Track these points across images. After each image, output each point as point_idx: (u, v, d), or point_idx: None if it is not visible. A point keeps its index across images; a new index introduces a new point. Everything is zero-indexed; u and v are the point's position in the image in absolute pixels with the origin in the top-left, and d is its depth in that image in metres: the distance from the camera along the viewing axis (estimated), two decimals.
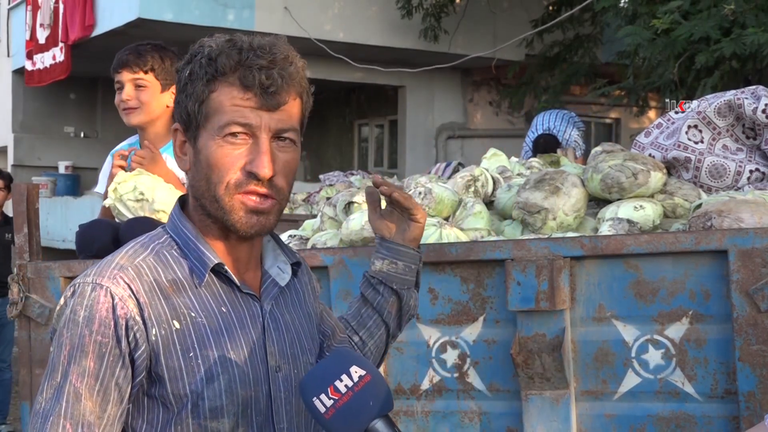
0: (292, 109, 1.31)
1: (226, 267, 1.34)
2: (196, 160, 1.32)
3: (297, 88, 1.31)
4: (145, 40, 3.01)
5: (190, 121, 1.32)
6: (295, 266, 1.47)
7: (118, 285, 1.26)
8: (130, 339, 1.26)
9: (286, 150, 1.31)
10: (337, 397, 1.18)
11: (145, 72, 2.90)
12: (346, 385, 1.19)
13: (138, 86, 2.91)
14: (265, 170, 1.26)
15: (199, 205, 1.34)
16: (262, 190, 1.28)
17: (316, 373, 1.22)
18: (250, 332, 1.34)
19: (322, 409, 1.18)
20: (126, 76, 2.90)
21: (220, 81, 1.28)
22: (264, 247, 1.44)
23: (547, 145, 7.28)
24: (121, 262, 1.29)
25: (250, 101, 1.27)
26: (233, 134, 1.27)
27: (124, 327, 1.25)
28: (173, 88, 2.96)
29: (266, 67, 1.27)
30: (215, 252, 1.34)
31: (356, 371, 1.20)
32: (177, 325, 1.28)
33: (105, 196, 3.01)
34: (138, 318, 1.25)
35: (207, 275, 1.32)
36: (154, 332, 1.26)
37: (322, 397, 1.18)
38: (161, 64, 2.93)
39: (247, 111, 1.27)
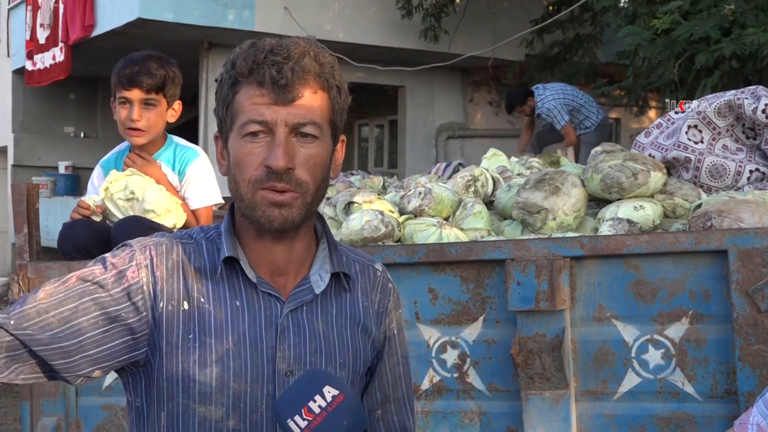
0: (312, 102, 1.31)
1: (241, 262, 1.35)
2: (227, 162, 1.36)
3: (319, 82, 1.32)
4: (146, 53, 2.94)
5: (222, 126, 1.36)
6: (346, 278, 1.44)
7: (143, 253, 1.34)
8: (126, 297, 1.29)
9: (309, 144, 1.31)
10: (311, 418, 1.19)
11: (157, 92, 2.88)
12: (319, 406, 1.19)
13: (148, 105, 2.88)
14: (279, 162, 1.27)
15: (237, 206, 1.37)
16: (280, 184, 1.29)
17: (290, 394, 1.22)
18: (260, 330, 1.34)
19: (297, 431, 1.18)
20: (137, 95, 2.86)
21: (240, 83, 1.31)
22: (317, 254, 1.44)
23: (512, 96, 7.63)
24: (162, 239, 1.37)
25: (264, 98, 1.29)
26: (254, 133, 1.29)
27: (125, 287, 1.30)
28: (176, 104, 2.97)
29: (279, 63, 1.28)
30: (237, 247, 1.36)
31: (329, 391, 1.21)
32: (186, 306, 1.32)
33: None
34: (145, 288, 1.31)
35: (222, 268, 1.35)
36: (161, 306, 1.31)
37: (297, 418, 1.19)
38: (170, 80, 2.90)
39: (263, 108, 1.29)
